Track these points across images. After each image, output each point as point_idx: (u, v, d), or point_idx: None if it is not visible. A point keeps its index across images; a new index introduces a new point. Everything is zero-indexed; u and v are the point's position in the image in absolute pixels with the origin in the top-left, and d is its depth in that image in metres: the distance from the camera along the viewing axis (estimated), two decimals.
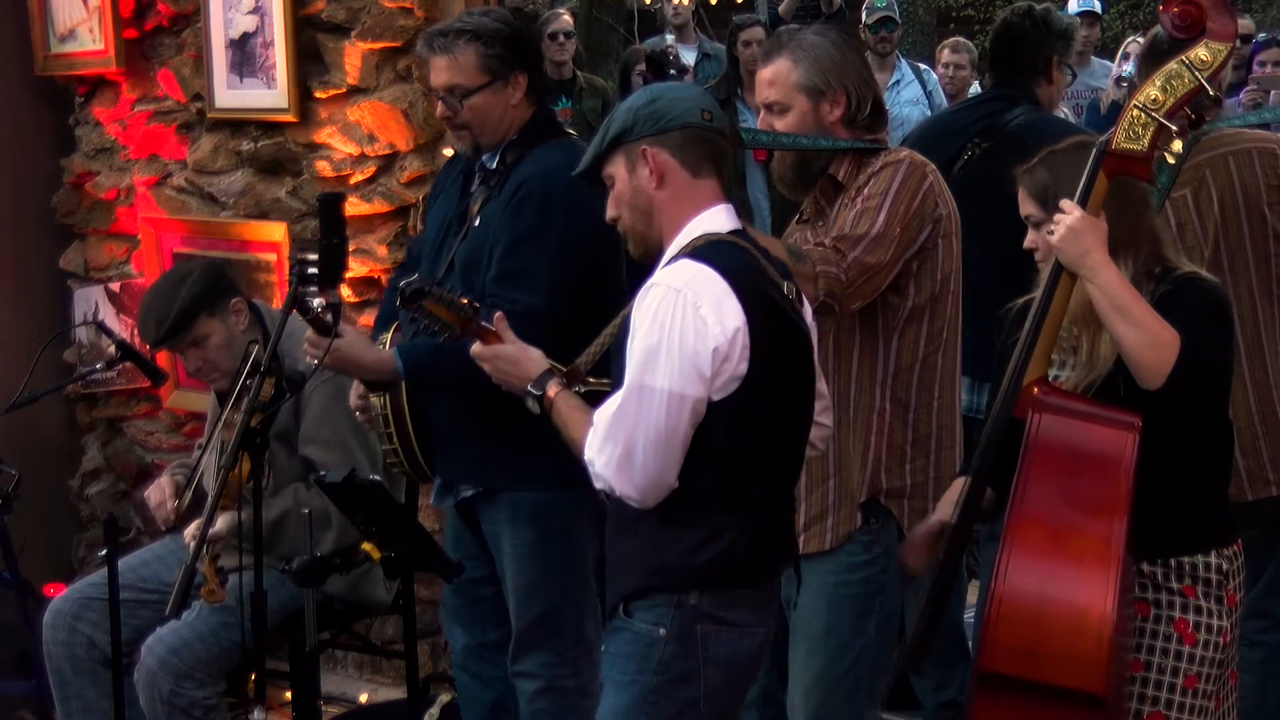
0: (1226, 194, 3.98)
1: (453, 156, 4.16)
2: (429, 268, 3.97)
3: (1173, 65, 3.07)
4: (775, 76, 3.57)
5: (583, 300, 3.79)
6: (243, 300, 4.53)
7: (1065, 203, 3.08)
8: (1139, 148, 3.06)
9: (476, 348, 3.25)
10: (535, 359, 3.22)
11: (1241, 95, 6.92)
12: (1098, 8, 8.44)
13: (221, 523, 4.23)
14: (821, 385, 3.26)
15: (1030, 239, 3.27)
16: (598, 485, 3.04)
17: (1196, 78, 3.04)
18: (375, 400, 3.96)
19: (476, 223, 3.90)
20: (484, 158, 3.95)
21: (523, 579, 3.98)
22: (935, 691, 4.68)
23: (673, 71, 8.01)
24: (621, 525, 3.12)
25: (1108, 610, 2.91)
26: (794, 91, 3.55)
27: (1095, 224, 3.06)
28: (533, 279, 3.76)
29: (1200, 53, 3.05)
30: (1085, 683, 2.92)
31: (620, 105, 3.21)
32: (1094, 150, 3.10)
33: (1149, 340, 3.00)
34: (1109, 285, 3.03)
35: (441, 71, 3.89)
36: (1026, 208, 3.26)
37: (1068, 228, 3.05)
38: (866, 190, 3.51)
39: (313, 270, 3.65)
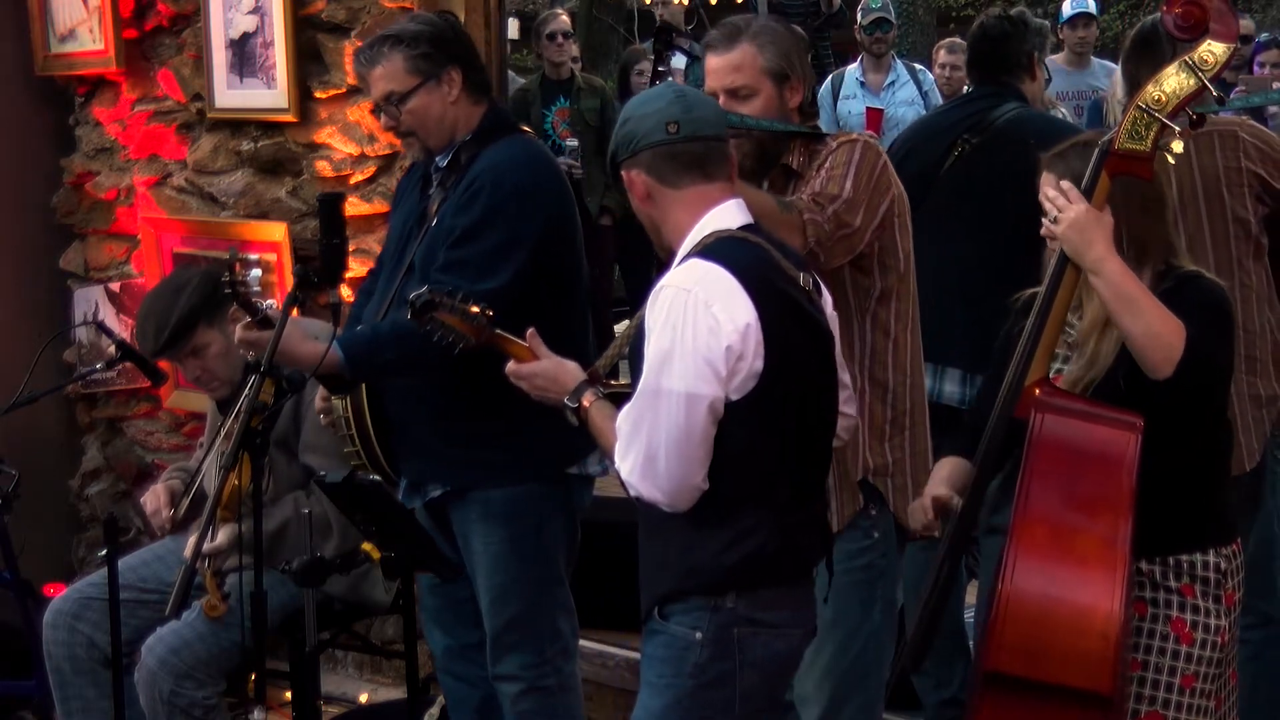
0: (1185, 177, 4.00)
1: (412, 164, 4.18)
2: (391, 270, 3.97)
3: (1175, 66, 3.07)
4: (741, 62, 3.56)
5: (535, 288, 3.79)
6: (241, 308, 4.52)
7: (1071, 191, 3.08)
8: (1142, 148, 3.06)
9: (512, 366, 3.24)
10: (572, 371, 3.21)
11: (1232, 95, 6.94)
12: (1092, 8, 8.45)
13: (222, 535, 4.25)
14: (844, 375, 3.26)
15: (1048, 227, 3.26)
16: (630, 492, 3.04)
17: (1199, 78, 3.05)
18: (336, 402, 3.96)
19: (434, 223, 3.91)
20: (437, 159, 3.95)
21: (497, 579, 3.97)
22: (935, 690, 4.69)
23: (686, 45, 7.97)
24: (651, 529, 3.11)
25: (1114, 609, 2.92)
26: (761, 76, 3.55)
27: (1100, 216, 3.06)
28: (477, 268, 3.75)
29: (1203, 53, 3.05)
30: (1091, 682, 2.92)
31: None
32: (1096, 150, 3.10)
33: (1155, 330, 3.00)
34: (1113, 276, 3.03)
35: (376, 83, 3.91)
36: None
37: (1071, 220, 3.05)
38: (829, 163, 3.52)
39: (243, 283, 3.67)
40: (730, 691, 3.05)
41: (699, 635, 3.03)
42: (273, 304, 3.75)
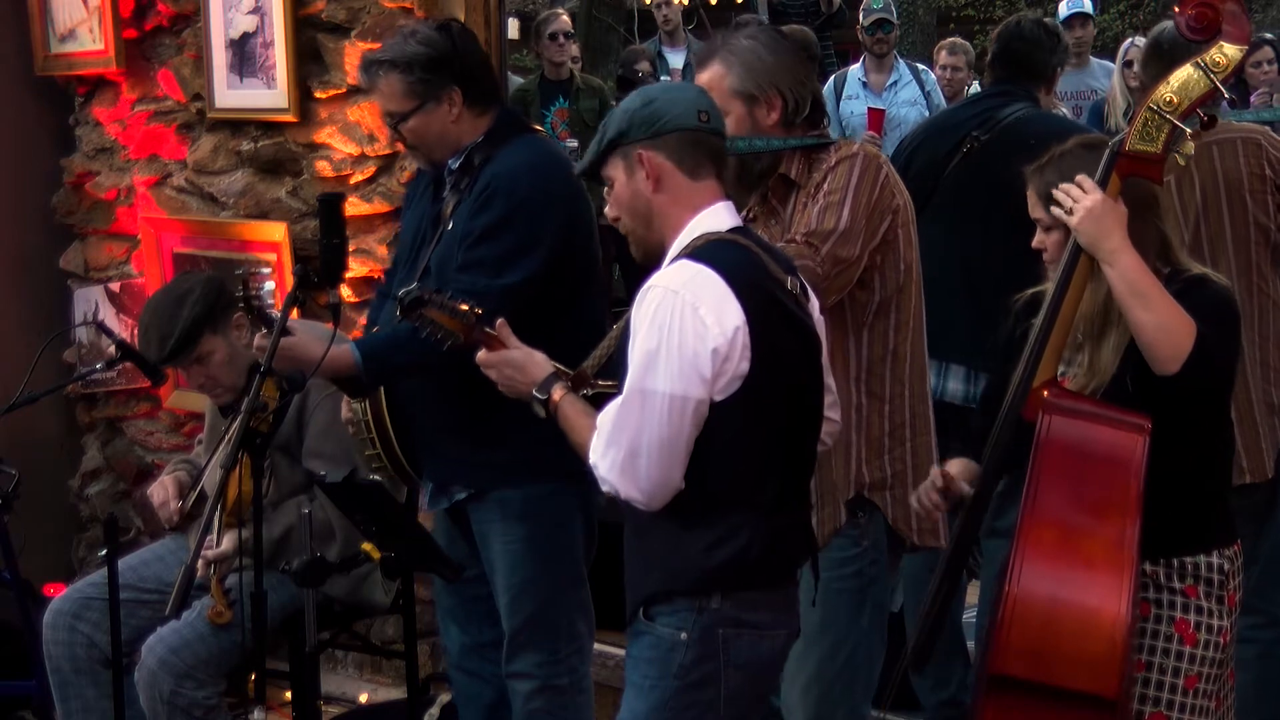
0: (1208, 181, 4.03)
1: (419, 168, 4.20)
2: (405, 274, 3.98)
3: (1188, 67, 3.06)
4: (710, 83, 3.55)
5: (550, 296, 3.81)
6: (245, 315, 4.51)
7: (1086, 182, 3.08)
8: (1153, 149, 3.06)
9: (482, 355, 3.24)
10: (540, 363, 3.21)
11: (1253, 98, 6.94)
12: (1089, 8, 8.46)
13: (227, 542, 4.26)
14: (830, 379, 3.26)
15: (1039, 239, 3.27)
16: (604, 489, 3.04)
17: (1211, 80, 3.04)
18: (356, 406, 3.97)
19: (449, 226, 3.92)
20: (450, 162, 3.96)
21: (515, 577, 3.99)
22: (934, 691, 4.69)
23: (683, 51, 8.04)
24: (638, 529, 3.11)
25: (1121, 613, 2.92)
26: (729, 97, 3.53)
27: (1115, 207, 3.06)
28: (494, 265, 3.78)
29: (1215, 55, 3.05)
30: (1096, 685, 2.92)
31: (617, 107, 3.20)
32: (1107, 151, 3.10)
33: (1166, 325, 3.01)
34: (1128, 269, 3.03)
35: (378, 100, 3.98)
36: (1036, 211, 3.25)
37: (1087, 210, 3.05)
38: (826, 186, 3.51)
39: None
40: (715, 692, 3.05)
41: (684, 636, 3.03)
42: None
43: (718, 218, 3.09)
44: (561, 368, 3.26)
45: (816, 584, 3.33)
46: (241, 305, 3.75)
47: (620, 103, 3.22)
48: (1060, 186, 3.13)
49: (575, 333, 3.59)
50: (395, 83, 3.88)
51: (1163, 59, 3.87)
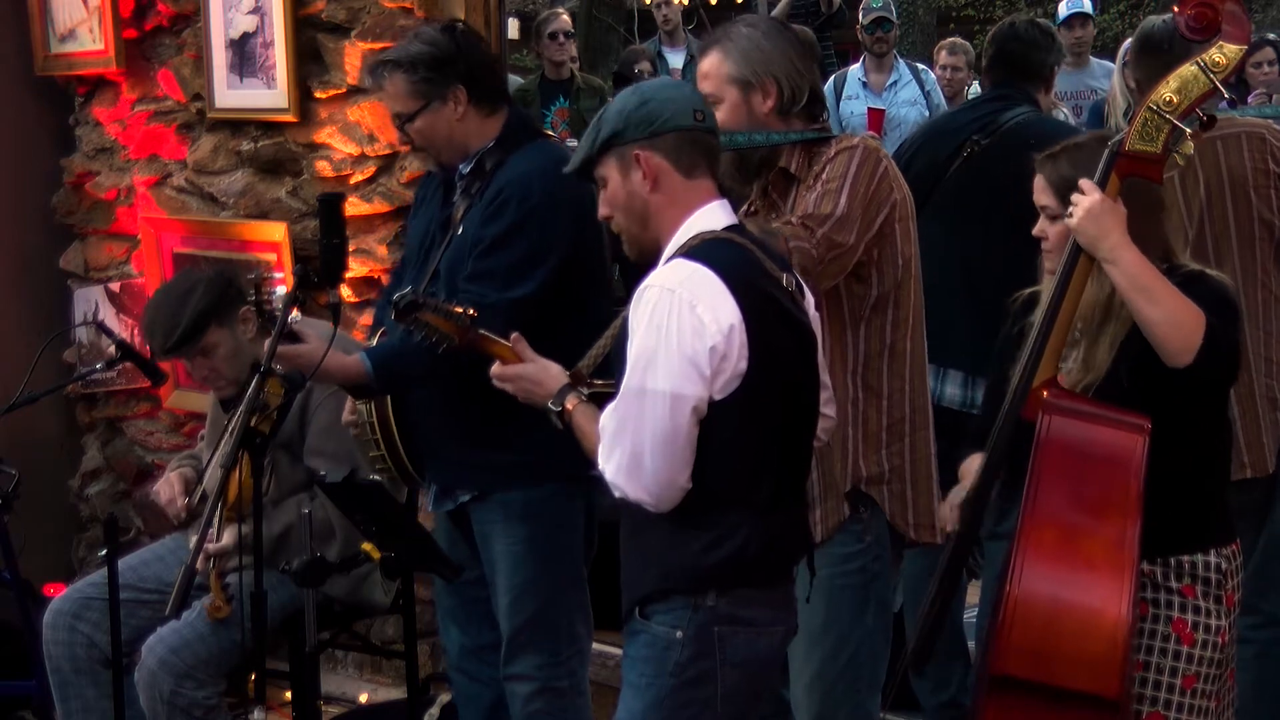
0: (1212, 178, 4.02)
1: (428, 170, 4.20)
2: (414, 277, 3.98)
3: (1188, 67, 3.06)
4: (709, 70, 3.57)
5: (559, 299, 3.82)
6: (251, 309, 4.51)
7: (1085, 183, 3.08)
8: (1153, 149, 3.06)
9: (497, 369, 3.25)
10: (555, 375, 3.22)
11: (1250, 99, 6.94)
12: (1088, 8, 8.46)
13: (228, 537, 4.26)
14: (825, 376, 3.26)
15: (1040, 227, 3.27)
16: (615, 493, 3.04)
17: (1211, 80, 3.04)
18: (361, 408, 3.97)
19: (460, 230, 3.93)
20: (460, 166, 3.97)
21: (517, 578, 3.99)
22: (934, 692, 4.69)
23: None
24: (634, 528, 3.11)
25: (1122, 613, 2.92)
26: (725, 84, 3.54)
27: (1114, 207, 3.06)
28: (505, 277, 3.78)
29: (1215, 55, 3.04)
30: (1097, 685, 2.92)
31: (610, 106, 3.18)
32: (1106, 151, 3.10)
33: (1174, 318, 3.01)
34: (1130, 266, 3.03)
35: (385, 101, 4.00)
36: (1043, 198, 3.25)
37: (1086, 210, 3.05)
38: (825, 175, 3.50)
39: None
40: (711, 690, 3.05)
41: (680, 634, 3.03)
42: (298, 317, 3.75)
43: (713, 216, 3.09)
44: (570, 374, 3.26)
45: (812, 580, 3.33)
46: (254, 310, 3.76)
47: (614, 101, 3.20)
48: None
49: (579, 334, 3.59)
50: (400, 83, 3.89)
51: (1163, 55, 3.86)
